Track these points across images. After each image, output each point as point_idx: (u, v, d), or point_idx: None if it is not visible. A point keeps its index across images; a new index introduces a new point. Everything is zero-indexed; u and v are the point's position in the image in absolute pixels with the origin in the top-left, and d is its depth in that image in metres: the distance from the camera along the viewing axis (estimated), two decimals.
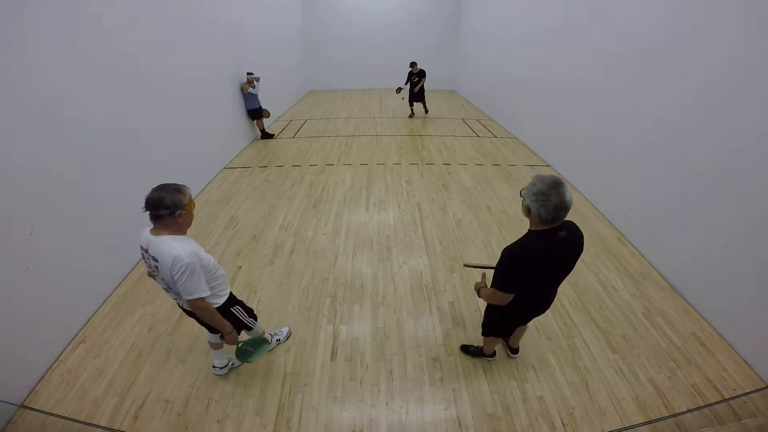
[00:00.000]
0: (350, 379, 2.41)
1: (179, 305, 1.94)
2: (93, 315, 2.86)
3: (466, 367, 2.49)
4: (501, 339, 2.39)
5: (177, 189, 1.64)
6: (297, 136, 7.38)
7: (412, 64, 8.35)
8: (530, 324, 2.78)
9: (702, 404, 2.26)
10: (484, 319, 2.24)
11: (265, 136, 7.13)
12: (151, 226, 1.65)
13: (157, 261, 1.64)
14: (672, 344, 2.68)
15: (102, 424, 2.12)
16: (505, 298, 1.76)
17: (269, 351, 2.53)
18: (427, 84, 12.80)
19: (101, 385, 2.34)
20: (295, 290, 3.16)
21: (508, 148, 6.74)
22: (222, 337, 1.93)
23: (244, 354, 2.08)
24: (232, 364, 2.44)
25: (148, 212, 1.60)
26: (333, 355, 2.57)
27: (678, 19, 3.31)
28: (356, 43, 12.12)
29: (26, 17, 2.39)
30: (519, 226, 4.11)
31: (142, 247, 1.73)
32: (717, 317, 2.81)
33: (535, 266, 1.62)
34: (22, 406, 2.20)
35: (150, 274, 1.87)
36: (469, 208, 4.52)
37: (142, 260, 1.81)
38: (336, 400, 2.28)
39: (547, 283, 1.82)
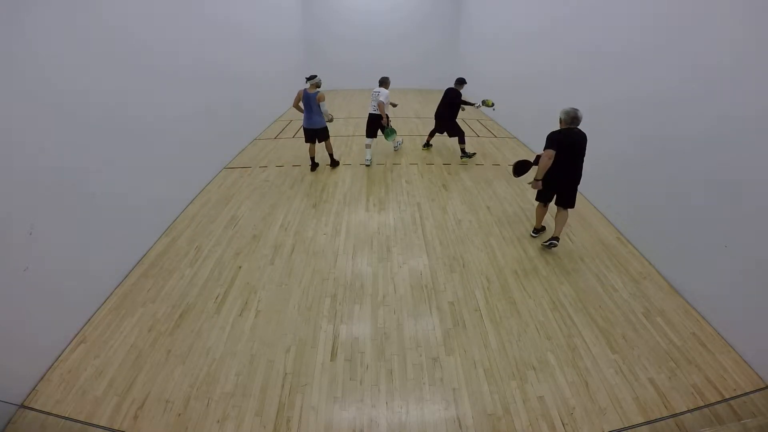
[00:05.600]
0: (350, 379, 2.41)
1: (373, 113, 5.61)
2: (93, 315, 2.85)
3: (466, 367, 2.49)
4: (546, 207, 3.79)
5: (386, 77, 5.63)
6: (297, 136, 7.37)
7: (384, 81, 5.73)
8: (530, 323, 2.82)
9: (702, 404, 2.26)
10: (537, 194, 3.75)
11: (335, 163, 5.75)
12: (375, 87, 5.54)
13: (378, 91, 5.45)
14: (672, 344, 2.68)
15: (102, 424, 2.12)
16: (550, 154, 3.28)
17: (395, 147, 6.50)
18: (427, 83, 12.92)
19: (101, 385, 2.34)
20: (295, 290, 3.16)
21: (508, 148, 6.75)
22: (383, 129, 5.64)
23: (389, 133, 5.63)
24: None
25: (380, 81, 5.59)
26: (333, 355, 2.57)
27: (678, 18, 3.32)
28: (356, 43, 12.10)
29: (27, 16, 2.39)
30: (519, 226, 4.13)
31: (375, 90, 5.52)
32: (717, 317, 2.82)
33: (561, 141, 3.28)
34: (22, 406, 2.19)
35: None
36: (469, 208, 4.53)
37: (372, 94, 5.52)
38: (336, 400, 2.28)
39: (568, 160, 3.32)
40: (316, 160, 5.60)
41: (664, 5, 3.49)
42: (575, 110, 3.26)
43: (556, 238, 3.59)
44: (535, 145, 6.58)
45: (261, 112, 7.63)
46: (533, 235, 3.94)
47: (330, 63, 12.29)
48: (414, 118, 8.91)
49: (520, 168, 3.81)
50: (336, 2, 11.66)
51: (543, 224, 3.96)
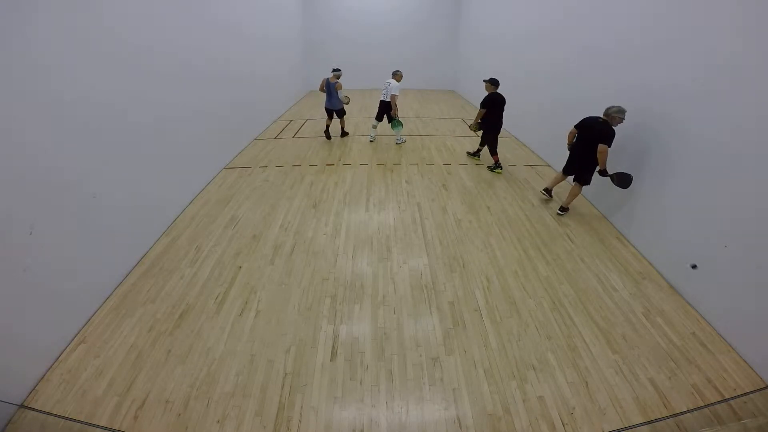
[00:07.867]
0: (350, 379, 2.41)
1: (383, 100, 6.55)
2: (93, 315, 2.86)
3: (466, 367, 2.49)
4: (563, 177, 4.53)
5: (399, 70, 6.53)
6: (297, 136, 7.38)
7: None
8: (530, 323, 2.82)
9: (702, 404, 2.26)
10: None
11: (344, 134, 7.34)
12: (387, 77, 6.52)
13: (390, 82, 6.34)
14: (672, 344, 2.68)
15: (102, 424, 2.12)
16: (573, 130, 4.19)
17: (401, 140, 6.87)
18: (427, 84, 12.94)
19: (101, 385, 2.34)
20: (295, 290, 3.16)
21: (508, 148, 6.74)
22: (390, 119, 6.61)
23: (396, 125, 6.54)
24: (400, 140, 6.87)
25: (392, 74, 6.45)
26: (333, 355, 2.57)
27: (678, 19, 3.32)
28: (356, 43, 12.11)
29: (27, 16, 2.39)
30: (520, 226, 4.13)
31: (387, 81, 6.43)
32: (717, 317, 2.81)
33: (581, 122, 4.04)
34: (22, 406, 2.20)
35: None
36: (469, 208, 4.53)
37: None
38: (336, 400, 2.28)
39: (582, 138, 4.03)
40: (330, 134, 7.06)
41: (664, 4, 3.49)
42: (613, 108, 3.71)
43: (562, 208, 4.36)
44: (535, 145, 6.58)
45: (261, 112, 7.63)
46: (542, 192, 4.75)
47: (330, 63, 12.29)
48: (414, 118, 8.91)
49: (625, 180, 3.75)
50: (336, 2, 11.66)
51: (551, 188, 4.70)
